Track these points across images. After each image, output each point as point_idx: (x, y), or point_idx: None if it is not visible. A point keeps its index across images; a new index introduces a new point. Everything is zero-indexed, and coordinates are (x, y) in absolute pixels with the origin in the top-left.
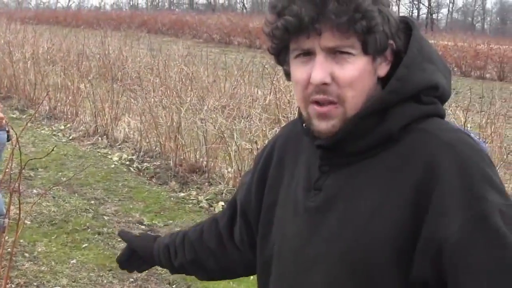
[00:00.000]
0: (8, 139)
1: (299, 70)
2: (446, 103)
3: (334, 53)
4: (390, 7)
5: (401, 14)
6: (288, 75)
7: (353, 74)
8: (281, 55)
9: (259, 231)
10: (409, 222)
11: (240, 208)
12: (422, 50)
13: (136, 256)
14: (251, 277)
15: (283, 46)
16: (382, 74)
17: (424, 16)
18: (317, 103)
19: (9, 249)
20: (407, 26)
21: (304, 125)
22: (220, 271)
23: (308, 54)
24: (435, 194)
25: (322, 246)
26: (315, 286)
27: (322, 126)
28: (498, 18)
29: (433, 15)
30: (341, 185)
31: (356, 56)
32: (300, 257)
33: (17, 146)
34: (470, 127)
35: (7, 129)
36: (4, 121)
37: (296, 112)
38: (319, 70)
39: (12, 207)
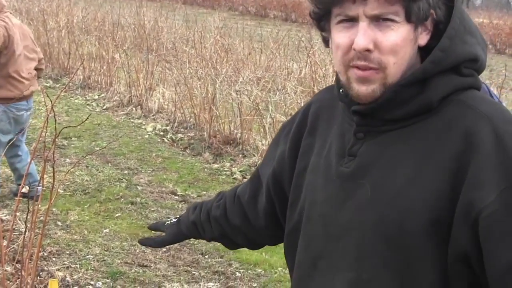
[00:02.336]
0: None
1: (341, 35)
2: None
3: (378, 20)
4: None
5: None
6: (326, 41)
7: (395, 41)
8: (322, 20)
9: (289, 197)
10: (446, 193)
11: (273, 178)
12: (464, 22)
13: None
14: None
15: (326, 11)
16: (422, 43)
17: None
18: (358, 68)
19: (42, 217)
20: None
21: (341, 90)
22: (249, 243)
23: (352, 20)
24: (471, 166)
25: (355, 213)
26: (347, 254)
27: (362, 90)
28: None
29: None
30: (377, 153)
31: (400, 23)
32: (331, 223)
33: (52, 114)
34: (505, 103)
35: None
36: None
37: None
38: (362, 36)
39: (45, 176)
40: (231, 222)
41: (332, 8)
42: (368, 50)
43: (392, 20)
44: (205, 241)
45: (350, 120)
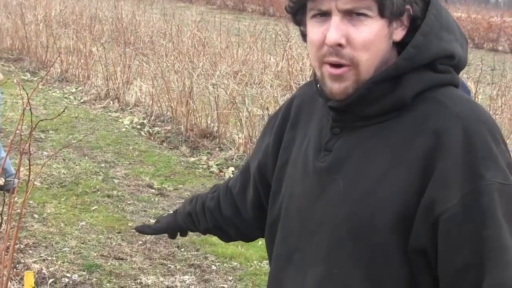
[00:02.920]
0: None
1: (314, 30)
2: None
3: (351, 15)
4: None
5: None
6: (304, 35)
7: (368, 37)
8: (298, 14)
9: (271, 190)
10: (414, 189)
11: (258, 171)
12: (440, 18)
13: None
14: (260, 242)
15: (300, 5)
16: (397, 39)
17: None
18: (330, 64)
19: (18, 210)
20: None
21: (318, 86)
22: (241, 235)
23: (325, 14)
24: (439, 164)
25: (328, 208)
26: (318, 247)
27: (335, 87)
28: None
29: None
30: (351, 148)
31: (372, 18)
32: (306, 218)
33: (28, 107)
34: (481, 98)
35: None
36: None
37: (308, 79)
38: (334, 31)
39: (22, 169)
40: (223, 214)
41: (306, 2)
42: (340, 45)
43: (365, 15)
44: (200, 233)
45: (327, 115)
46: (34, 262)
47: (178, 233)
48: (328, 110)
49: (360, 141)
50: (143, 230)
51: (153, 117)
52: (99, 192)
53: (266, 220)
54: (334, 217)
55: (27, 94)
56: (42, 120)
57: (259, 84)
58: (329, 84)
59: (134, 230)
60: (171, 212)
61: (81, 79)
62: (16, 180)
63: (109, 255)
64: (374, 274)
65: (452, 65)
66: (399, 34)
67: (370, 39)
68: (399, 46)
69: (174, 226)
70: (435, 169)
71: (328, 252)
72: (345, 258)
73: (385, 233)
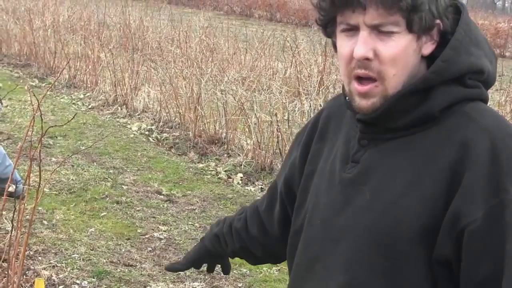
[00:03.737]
0: None
1: (343, 44)
2: None
3: (378, 29)
4: None
5: None
6: (336, 46)
7: (395, 52)
8: (328, 27)
9: (296, 200)
10: (440, 201)
11: (284, 184)
12: (469, 33)
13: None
14: None
15: (330, 18)
16: (426, 53)
17: None
18: (359, 79)
19: (27, 216)
20: (456, 9)
21: (347, 98)
22: (268, 255)
23: (353, 29)
24: (465, 177)
25: (352, 218)
26: (341, 257)
27: (362, 103)
28: None
29: None
30: (378, 160)
31: (400, 33)
32: (329, 227)
33: (38, 113)
34: (489, 104)
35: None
36: None
37: (317, 86)
38: (361, 45)
39: (31, 175)
40: (250, 233)
41: (336, 16)
42: (367, 59)
43: (393, 31)
44: (228, 256)
45: (355, 127)
46: (44, 268)
47: (209, 261)
48: (356, 123)
49: (387, 153)
50: (173, 268)
51: (161, 123)
52: (108, 199)
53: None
54: (357, 227)
55: (37, 100)
56: (52, 126)
57: (267, 90)
58: (357, 101)
59: (143, 237)
60: (201, 241)
61: (89, 85)
62: (24, 187)
63: (118, 262)
64: (395, 285)
65: (481, 81)
66: (428, 48)
67: (397, 54)
68: (429, 60)
69: (203, 251)
70: (462, 181)
71: (350, 262)
72: (366, 268)
73: (409, 244)
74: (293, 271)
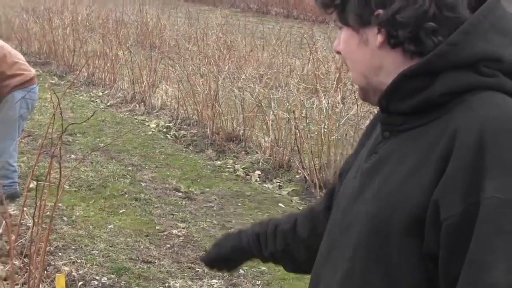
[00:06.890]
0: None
1: None
2: None
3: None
4: None
5: None
6: None
7: (342, 46)
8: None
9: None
10: (427, 191)
11: (339, 180)
12: (493, 19)
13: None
14: None
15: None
16: (378, 44)
17: None
18: None
19: (48, 213)
20: None
21: None
22: (309, 262)
23: None
24: (448, 168)
25: (362, 206)
26: (348, 244)
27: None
28: None
29: None
30: (393, 150)
31: (343, 28)
32: (345, 216)
33: (58, 110)
34: None
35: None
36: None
37: (334, 83)
38: (336, 40)
39: (51, 172)
40: (298, 235)
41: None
42: (338, 52)
43: (340, 27)
44: (260, 260)
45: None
46: (64, 264)
47: (239, 260)
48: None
49: (400, 143)
50: (210, 257)
51: (179, 121)
52: (126, 195)
53: None
54: (362, 215)
55: (57, 97)
56: (72, 124)
57: (284, 87)
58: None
59: (161, 234)
60: (236, 233)
61: (107, 83)
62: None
63: (137, 258)
64: (391, 273)
65: (502, 70)
66: (378, 39)
67: (343, 48)
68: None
69: (238, 248)
70: (445, 171)
71: (354, 249)
72: (366, 255)
73: (399, 234)
74: (316, 259)
